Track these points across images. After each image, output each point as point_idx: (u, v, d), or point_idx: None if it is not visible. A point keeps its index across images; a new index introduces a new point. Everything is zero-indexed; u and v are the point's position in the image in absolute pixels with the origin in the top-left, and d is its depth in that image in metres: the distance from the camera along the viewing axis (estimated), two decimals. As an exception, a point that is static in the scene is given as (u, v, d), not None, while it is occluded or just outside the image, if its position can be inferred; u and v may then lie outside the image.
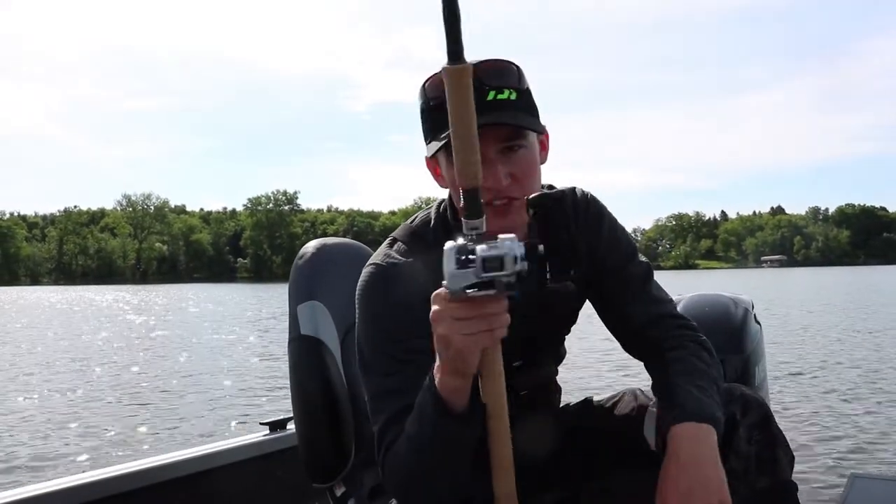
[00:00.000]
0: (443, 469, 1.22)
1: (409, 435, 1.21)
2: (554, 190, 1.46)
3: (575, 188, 1.52)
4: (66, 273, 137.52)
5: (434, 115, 1.29)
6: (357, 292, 1.39)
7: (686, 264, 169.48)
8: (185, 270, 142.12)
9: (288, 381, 1.87)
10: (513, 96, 1.28)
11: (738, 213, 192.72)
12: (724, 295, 1.93)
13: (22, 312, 29.97)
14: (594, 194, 1.52)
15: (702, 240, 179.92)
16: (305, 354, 1.79)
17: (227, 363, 11.59)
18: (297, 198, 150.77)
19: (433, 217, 1.45)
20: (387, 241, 1.46)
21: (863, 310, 20.35)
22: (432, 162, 1.39)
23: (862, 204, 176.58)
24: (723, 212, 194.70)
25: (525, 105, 1.31)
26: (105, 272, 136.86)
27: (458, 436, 1.16)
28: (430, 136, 1.33)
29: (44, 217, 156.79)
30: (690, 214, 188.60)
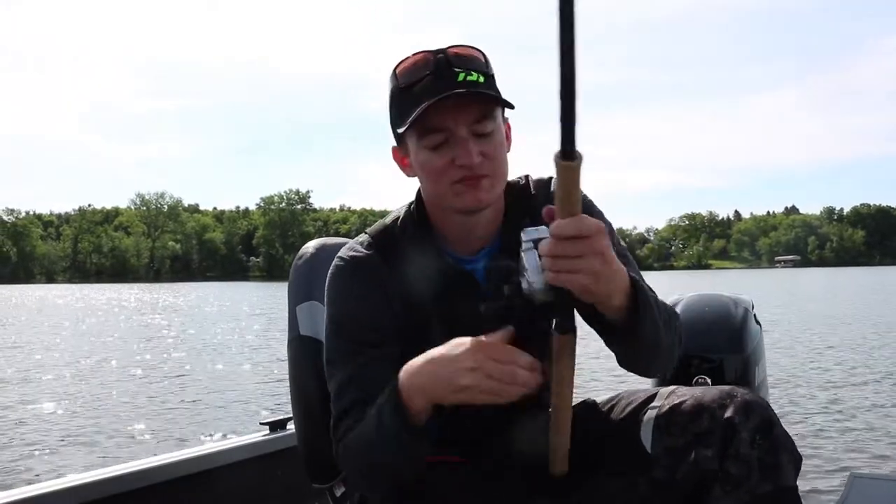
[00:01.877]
0: (394, 469, 1.28)
1: (363, 433, 1.27)
2: (523, 181, 1.49)
3: (553, 178, 1.48)
4: (81, 271, 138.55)
5: (404, 98, 1.32)
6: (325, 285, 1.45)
7: (699, 264, 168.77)
8: (198, 269, 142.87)
9: (288, 382, 1.87)
10: (481, 79, 1.31)
11: (751, 213, 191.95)
12: (724, 295, 1.91)
13: (19, 309, 30.14)
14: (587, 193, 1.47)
15: (715, 240, 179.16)
16: (305, 354, 1.78)
17: (226, 363, 11.62)
18: (309, 197, 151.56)
19: (402, 212, 1.48)
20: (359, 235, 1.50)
21: (871, 310, 20.24)
22: (399, 151, 1.41)
23: (877, 204, 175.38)
24: (736, 211, 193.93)
25: (493, 88, 1.34)
26: (119, 270, 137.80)
27: (413, 447, 1.23)
28: (399, 120, 1.34)
29: (59, 216, 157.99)
30: (703, 214, 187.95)
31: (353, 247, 1.45)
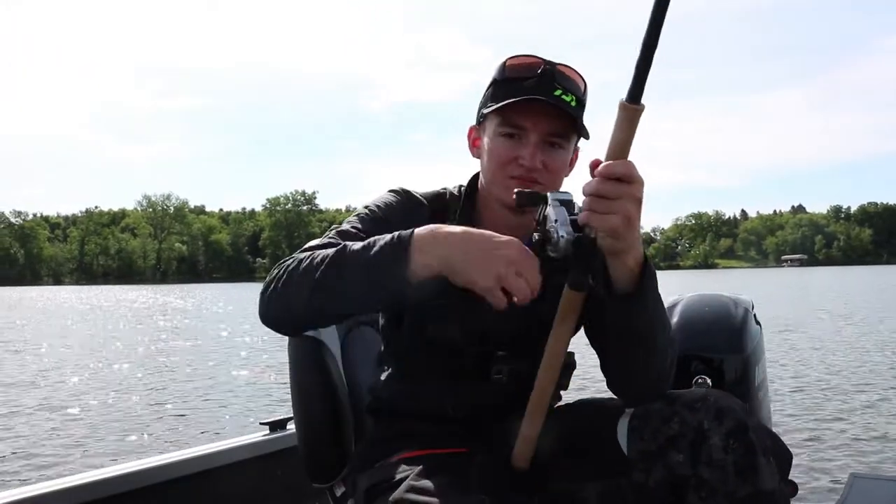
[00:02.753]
0: (344, 297, 1.21)
1: (332, 252, 1.22)
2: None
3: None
4: (88, 273, 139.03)
5: (503, 87, 1.42)
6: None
7: (705, 263, 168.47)
8: (204, 270, 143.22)
9: (288, 382, 1.87)
10: (573, 102, 1.40)
11: (758, 212, 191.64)
12: (724, 295, 1.90)
13: (23, 311, 30.27)
14: None
15: (721, 239, 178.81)
16: (305, 354, 1.78)
17: (228, 363, 11.62)
18: (315, 198, 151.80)
19: (454, 190, 1.57)
20: None
21: (875, 309, 20.16)
22: (476, 129, 1.52)
23: (885, 202, 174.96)
24: (743, 210, 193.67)
25: (578, 114, 1.42)
26: (126, 272, 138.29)
27: (387, 283, 1.17)
28: (490, 101, 1.44)
29: (66, 217, 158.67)
30: (710, 213, 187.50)
31: (416, 195, 1.52)
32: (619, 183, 1.10)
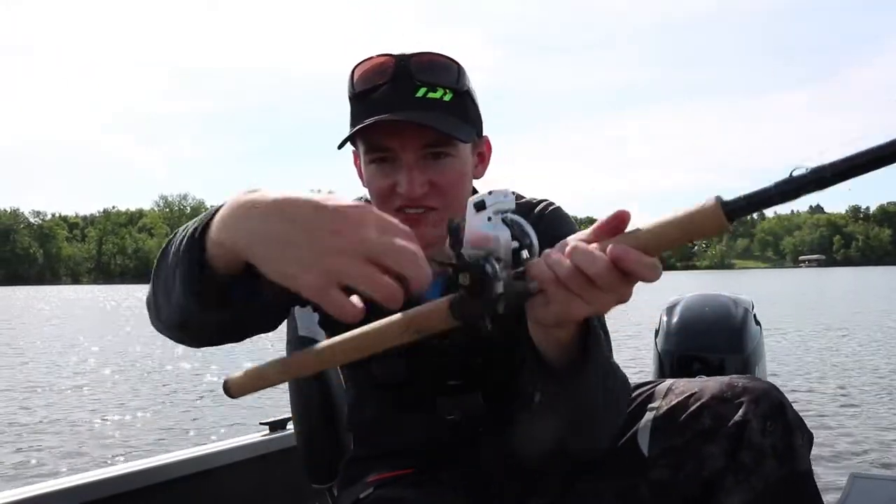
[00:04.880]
0: (167, 300, 0.94)
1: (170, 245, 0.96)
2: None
3: (542, 202, 1.37)
4: (105, 272, 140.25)
5: (357, 104, 1.19)
6: None
7: (722, 264, 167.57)
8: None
9: (287, 382, 1.87)
10: (447, 97, 1.17)
11: (775, 212, 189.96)
12: (724, 295, 1.90)
13: (11, 313, 30.49)
14: (560, 210, 1.37)
15: (738, 239, 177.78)
16: (304, 355, 1.78)
17: (227, 363, 11.65)
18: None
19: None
20: None
21: (884, 309, 19.96)
22: (358, 158, 1.27)
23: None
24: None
25: (460, 109, 1.19)
26: (143, 271, 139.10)
27: (189, 268, 0.85)
28: (351, 125, 1.21)
29: (84, 218, 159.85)
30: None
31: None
32: (626, 279, 0.75)
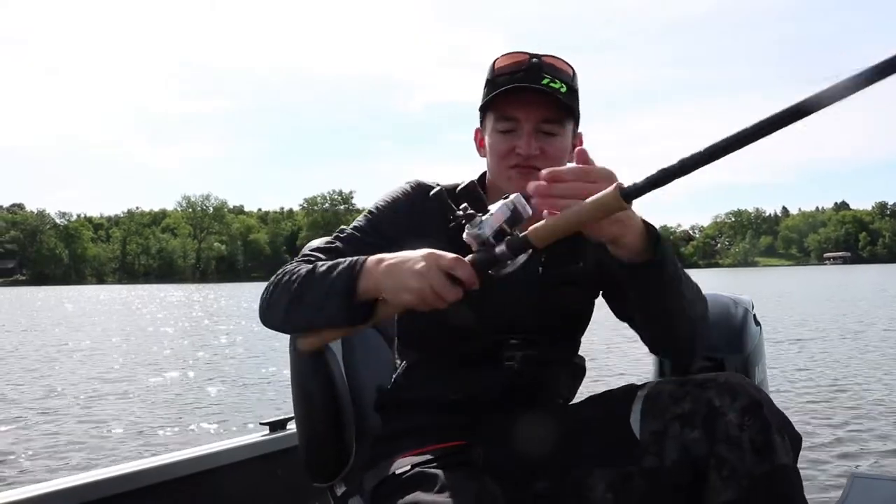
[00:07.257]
0: (307, 312, 1.37)
1: (308, 272, 1.38)
2: None
3: None
4: (130, 272, 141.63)
5: (494, 85, 1.48)
6: None
7: (745, 262, 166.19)
8: (243, 270, 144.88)
9: (289, 381, 1.86)
10: (563, 89, 1.46)
11: (799, 209, 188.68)
12: (724, 295, 1.87)
13: (0, 312, 30.82)
14: None
15: (762, 236, 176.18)
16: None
17: (229, 363, 11.71)
18: (352, 197, 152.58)
19: (466, 183, 1.56)
20: None
21: (885, 308, 19.76)
22: (480, 131, 1.59)
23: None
24: (784, 207, 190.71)
25: (570, 100, 1.48)
26: (166, 271, 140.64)
27: (339, 305, 1.31)
28: (485, 105, 1.51)
29: (108, 218, 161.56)
30: (750, 211, 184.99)
31: (429, 184, 1.57)
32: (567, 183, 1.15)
